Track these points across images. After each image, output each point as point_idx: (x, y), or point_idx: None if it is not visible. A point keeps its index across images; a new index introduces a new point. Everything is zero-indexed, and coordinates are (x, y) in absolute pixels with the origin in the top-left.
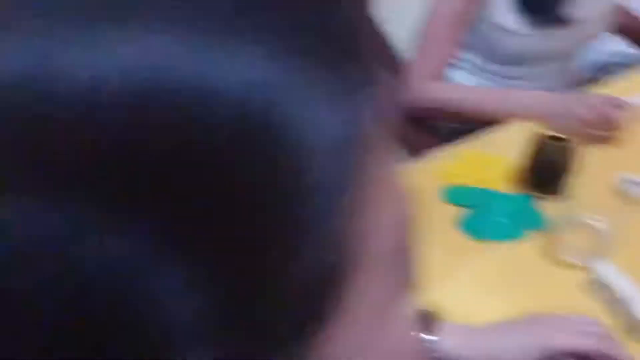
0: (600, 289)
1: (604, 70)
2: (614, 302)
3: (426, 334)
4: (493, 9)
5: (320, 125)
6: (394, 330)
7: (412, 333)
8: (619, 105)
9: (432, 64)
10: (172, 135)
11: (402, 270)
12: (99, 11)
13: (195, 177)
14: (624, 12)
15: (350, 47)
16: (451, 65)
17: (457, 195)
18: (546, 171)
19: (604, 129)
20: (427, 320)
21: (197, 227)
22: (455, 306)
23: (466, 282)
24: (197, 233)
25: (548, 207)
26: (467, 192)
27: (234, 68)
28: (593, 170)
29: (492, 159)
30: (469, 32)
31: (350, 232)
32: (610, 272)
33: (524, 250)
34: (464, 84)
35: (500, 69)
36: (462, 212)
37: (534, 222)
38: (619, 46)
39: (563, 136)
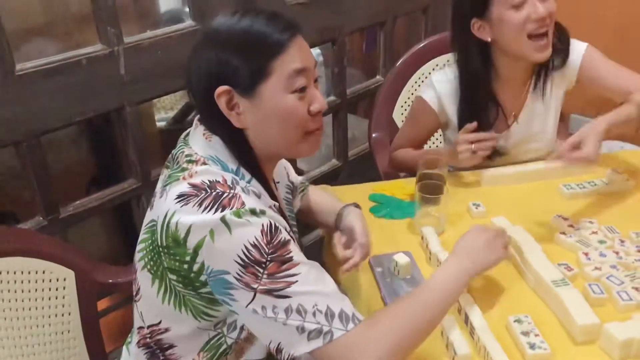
0: (423, 240)
1: None
2: (426, 246)
3: None
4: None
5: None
6: (285, 100)
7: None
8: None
9: (403, 146)
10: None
11: (292, 84)
12: None
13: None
14: None
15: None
16: None
17: (375, 197)
18: (425, 190)
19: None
20: None
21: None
22: None
23: None
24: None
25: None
26: (382, 197)
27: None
28: (454, 194)
29: (406, 185)
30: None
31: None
32: (430, 233)
33: (399, 223)
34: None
35: None
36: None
37: (411, 214)
38: None
39: (436, 172)
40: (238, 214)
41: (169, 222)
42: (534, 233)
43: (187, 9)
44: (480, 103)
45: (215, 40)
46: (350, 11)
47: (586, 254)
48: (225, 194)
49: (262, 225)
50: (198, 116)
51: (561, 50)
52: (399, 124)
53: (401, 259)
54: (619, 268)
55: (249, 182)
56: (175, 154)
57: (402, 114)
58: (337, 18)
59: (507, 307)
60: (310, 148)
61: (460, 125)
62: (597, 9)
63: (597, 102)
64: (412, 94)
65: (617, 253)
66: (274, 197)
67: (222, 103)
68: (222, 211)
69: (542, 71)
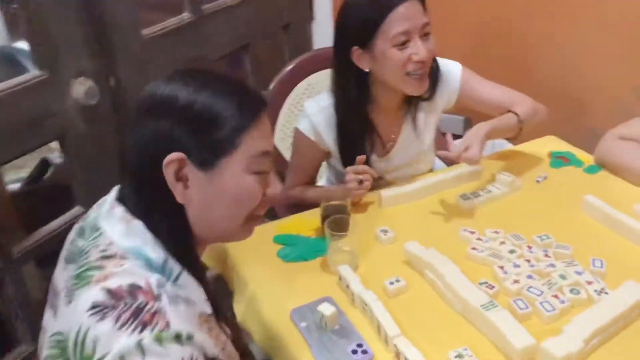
0: (341, 281)
1: None
2: (347, 287)
3: None
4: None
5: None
6: (245, 181)
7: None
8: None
9: (296, 185)
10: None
11: (254, 165)
12: None
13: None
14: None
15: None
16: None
17: (281, 239)
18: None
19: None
20: None
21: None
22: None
23: (275, 281)
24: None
25: (333, 240)
26: (287, 237)
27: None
28: (361, 223)
29: (310, 221)
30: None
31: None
32: (348, 273)
33: (312, 265)
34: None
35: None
36: (282, 248)
37: (322, 251)
38: None
39: (340, 202)
40: (159, 339)
41: (84, 341)
42: (447, 252)
43: (17, 45)
44: (357, 130)
45: (170, 109)
46: (211, 38)
47: (502, 268)
48: (148, 307)
49: None
50: (114, 194)
51: (431, 82)
52: (283, 151)
53: (326, 309)
54: (534, 277)
55: (177, 278)
56: (86, 247)
57: (282, 138)
58: (199, 47)
59: (444, 342)
60: (245, 234)
61: (342, 154)
62: (456, 13)
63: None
64: (290, 116)
65: (528, 261)
66: (207, 286)
67: (169, 172)
68: (141, 331)
69: (411, 100)
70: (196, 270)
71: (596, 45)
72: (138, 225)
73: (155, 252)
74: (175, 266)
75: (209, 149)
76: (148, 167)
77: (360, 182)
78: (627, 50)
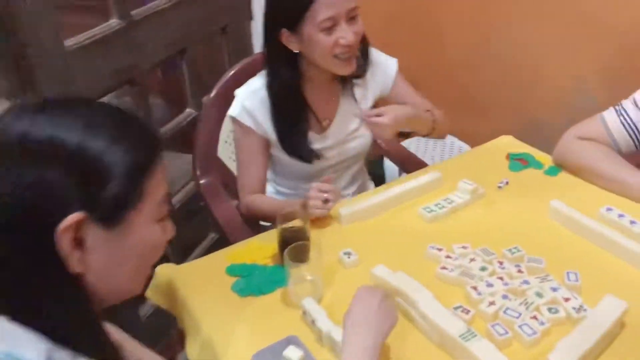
0: (306, 316)
1: None
2: (313, 323)
3: None
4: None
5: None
6: (153, 232)
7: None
8: (326, 190)
9: (250, 184)
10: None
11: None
12: None
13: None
14: (388, 141)
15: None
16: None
17: (234, 270)
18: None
19: (319, 208)
20: None
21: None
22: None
23: (232, 320)
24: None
25: (294, 269)
26: (241, 268)
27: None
28: (322, 245)
29: (265, 246)
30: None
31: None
32: (313, 306)
33: (272, 299)
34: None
35: (289, 184)
36: (236, 280)
37: (282, 282)
38: None
39: (299, 225)
40: None
41: None
42: (416, 273)
43: None
44: (293, 108)
45: (56, 156)
46: (143, 45)
47: (475, 288)
48: None
49: None
50: None
51: (362, 61)
52: (228, 162)
53: (293, 354)
54: (510, 297)
55: None
56: None
57: (225, 147)
58: (130, 56)
59: None
60: (141, 288)
61: (280, 137)
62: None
63: None
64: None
65: (501, 279)
66: None
67: (66, 239)
68: None
69: (345, 78)
70: (102, 350)
71: (535, 35)
72: (1, 323)
73: (34, 349)
74: (65, 357)
75: (112, 203)
76: (23, 231)
77: (325, 201)
78: (566, 40)
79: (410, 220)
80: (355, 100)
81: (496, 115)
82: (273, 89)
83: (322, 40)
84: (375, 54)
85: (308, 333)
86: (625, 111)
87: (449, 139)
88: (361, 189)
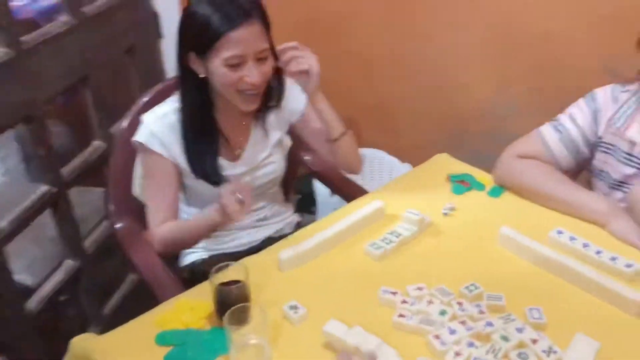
0: None
1: None
2: None
3: None
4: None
5: None
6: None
7: None
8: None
9: (161, 214)
10: None
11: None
12: None
13: None
14: (321, 161)
15: None
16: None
17: (165, 338)
18: (226, 309)
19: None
20: None
21: None
22: None
23: None
24: None
25: (235, 334)
26: (173, 335)
27: None
28: (264, 300)
29: (198, 305)
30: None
31: None
32: None
33: None
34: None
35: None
36: (169, 351)
37: (223, 348)
38: None
39: (237, 280)
40: None
41: None
42: (372, 326)
43: None
44: (204, 135)
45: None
46: (38, 76)
47: (437, 337)
48: None
49: None
50: None
51: (277, 91)
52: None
53: None
54: (475, 344)
55: None
56: None
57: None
58: (23, 89)
59: None
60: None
61: (191, 164)
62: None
63: None
64: None
65: (463, 323)
66: None
67: None
68: None
69: (259, 109)
70: None
71: (457, 46)
72: None
73: None
74: None
75: None
76: None
77: (240, 202)
78: (487, 49)
79: (356, 259)
80: (266, 130)
81: (421, 126)
82: (184, 113)
83: (226, 75)
84: (289, 85)
85: None
86: (564, 126)
87: (378, 153)
88: (278, 213)
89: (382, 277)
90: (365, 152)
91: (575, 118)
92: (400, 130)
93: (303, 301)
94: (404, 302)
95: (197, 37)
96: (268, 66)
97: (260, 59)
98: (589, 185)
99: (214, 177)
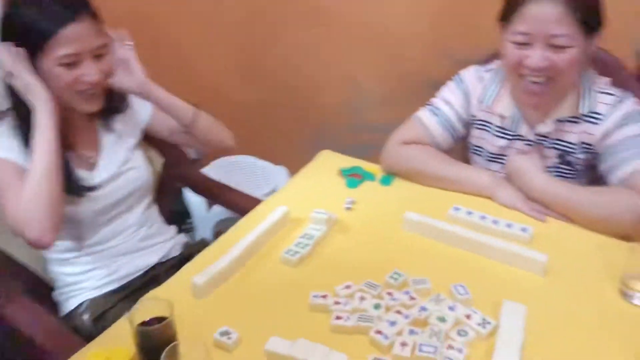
0: None
1: None
2: None
3: None
4: None
5: None
6: None
7: None
8: None
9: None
10: None
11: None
12: None
13: None
14: (197, 173)
15: None
16: None
17: None
18: (151, 352)
19: None
20: None
21: None
22: None
23: None
24: None
25: None
26: None
27: None
28: (191, 333)
29: (114, 354)
30: None
31: None
32: None
33: None
34: None
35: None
36: None
37: None
38: None
39: (159, 316)
40: None
41: None
42: (311, 334)
43: None
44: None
45: None
46: None
47: (379, 332)
48: None
49: None
50: None
51: (118, 97)
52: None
53: None
54: (416, 330)
55: None
56: None
57: None
58: None
59: None
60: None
61: None
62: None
63: None
64: None
65: (399, 312)
66: None
67: None
68: None
69: (104, 113)
70: None
71: (312, 44)
72: None
73: None
74: None
75: None
76: None
77: None
78: (342, 46)
79: (275, 270)
80: (117, 134)
81: (285, 126)
82: (21, 129)
83: (61, 75)
84: None
85: None
86: (439, 109)
87: (249, 159)
88: (159, 232)
89: (307, 282)
90: (236, 159)
91: (449, 100)
92: (266, 134)
93: (233, 325)
94: (337, 303)
95: (24, 39)
96: (107, 63)
97: (97, 56)
98: (467, 162)
99: (75, 190)
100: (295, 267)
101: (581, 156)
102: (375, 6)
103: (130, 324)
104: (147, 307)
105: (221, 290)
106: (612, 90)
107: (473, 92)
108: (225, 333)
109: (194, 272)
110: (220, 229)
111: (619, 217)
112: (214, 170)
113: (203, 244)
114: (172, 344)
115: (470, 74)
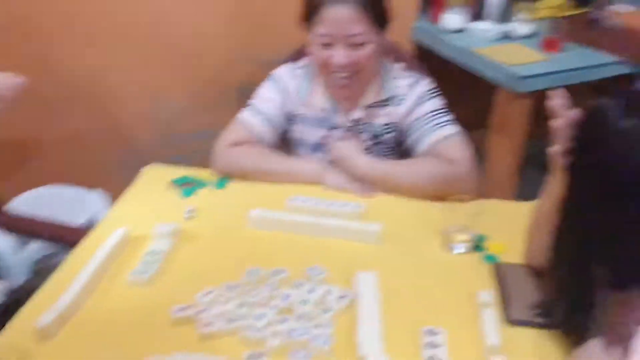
0: None
1: None
2: None
3: None
4: None
5: None
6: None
7: None
8: None
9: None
10: None
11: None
12: None
13: None
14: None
15: None
16: None
17: None
18: None
19: None
20: None
21: None
22: None
23: None
24: None
25: None
26: None
27: None
28: None
29: None
30: None
31: None
32: None
33: None
34: None
35: None
36: None
37: None
38: None
39: None
40: None
41: None
42: (180, 347)
43: None
44: None
45: None
46: None
47: (249, 328)
48: None
49: None
50: None
51: None
52: None
53: None
54: (287, 318)
55: None
56: None
57: None
58: None
59: None
60: None
61: None
62: None
63: None
64: None
65: (264, 306)
66: None
67: None
68: None
69: None
70: None
71: (116, 54)
72: None
73: None
74: None
75: None
76: None
77: None
78: (141, 62)
79: (126, 293)
80: None
81: (92, 146)
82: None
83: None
84: None
85: None
86: (259, 109)
87: (54, 189)
88: None
89: (163, 298)
90: (39, 192)
91: (268, 98)
92: (72, 159)
93: None
94: (200, 312)
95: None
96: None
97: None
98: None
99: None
100: (149, 286)
101: (390, 135)
102: (165, 14)
103: None
104: None
105: (68, 329)
106: (408, 74)
107: (289, 89)
108: None
109: (36, 313)
110: (40, 267)
111: (431, 181)
112: (16, 209)
113: (28, 287)
114: None
115: (284, 72)
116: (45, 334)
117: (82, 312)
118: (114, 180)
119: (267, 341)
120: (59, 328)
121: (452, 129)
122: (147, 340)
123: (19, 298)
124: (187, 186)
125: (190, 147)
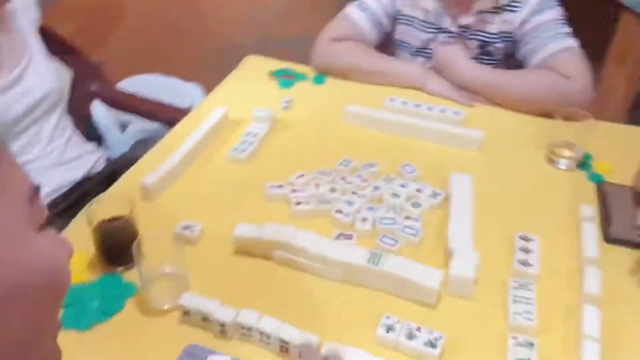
0: (191, 315)
1: None
2: (205, 319)
3: None
4: None
5: None
6: None
7: None
8: None
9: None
10: None
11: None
12: None
13: None
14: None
15: None
16: None
17: None
18: (115, 249)
19: None
20: None
21: None
22: None
23: None
24: None
25: (133, 274)
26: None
27: None
28: (154, 226)
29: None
30: None
31: None
32: (194, 300)
33: (125, 317)
34: None
35: None
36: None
37: (128, 292)
38: None
39: (119, 215)
40: None
41: None
42: (273, 221)
43: None
44: None
45: None
46: None
47: (339, 212)
48: None
49: None
50: None
51: None
52: None
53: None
54: (375, 207)
55: None
56: None
57: None
58: None
59: (350, 320)
60: None
61: None
62: None
63: None
64: None
65: (355, 193)
66: None
67: None
68: None
69: None
70: None
71: None
72: None
73: None
74: None
75: None
76: None
77: None
78: None
79: (224, 168)
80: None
81: (189, 41)
82: None
83: None
84: None
85: (203, 334)
86: (367, 5)
87: (157, 77)
88: (78, 145)
89: (259, 176)
90: (142, 79)
91: None
92: (169, 51)
93: (194, 218)
94: (294, 191)
95: None
96: None
97: None
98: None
99: None
100: (245, 164)
101: (500, 45)
102: None
103: (89, 223)
104: (101, 206)
105: (172, 190)
106: None
107: None
108: (187, 227)
109: (140, 176)
110: (140, 140)
111: (543, 95)
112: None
113: (127, 160)
114: (138, 238)
115: None
116: (148, 194)
117: (182, 178)
118: (208, 76)
119: (356, 224)
120: (161, 190)
121: (571, 42)
122: (242, 210)
123: (118, 168)
124: (286, 77)
125: (288, 54)
